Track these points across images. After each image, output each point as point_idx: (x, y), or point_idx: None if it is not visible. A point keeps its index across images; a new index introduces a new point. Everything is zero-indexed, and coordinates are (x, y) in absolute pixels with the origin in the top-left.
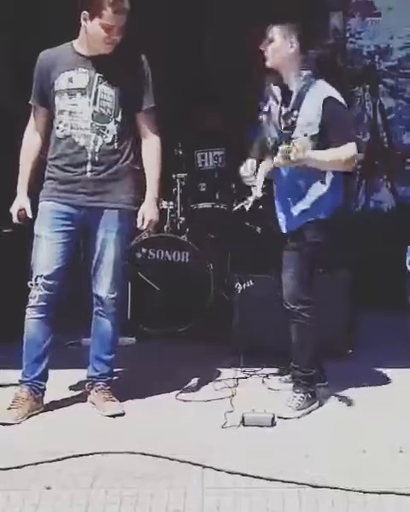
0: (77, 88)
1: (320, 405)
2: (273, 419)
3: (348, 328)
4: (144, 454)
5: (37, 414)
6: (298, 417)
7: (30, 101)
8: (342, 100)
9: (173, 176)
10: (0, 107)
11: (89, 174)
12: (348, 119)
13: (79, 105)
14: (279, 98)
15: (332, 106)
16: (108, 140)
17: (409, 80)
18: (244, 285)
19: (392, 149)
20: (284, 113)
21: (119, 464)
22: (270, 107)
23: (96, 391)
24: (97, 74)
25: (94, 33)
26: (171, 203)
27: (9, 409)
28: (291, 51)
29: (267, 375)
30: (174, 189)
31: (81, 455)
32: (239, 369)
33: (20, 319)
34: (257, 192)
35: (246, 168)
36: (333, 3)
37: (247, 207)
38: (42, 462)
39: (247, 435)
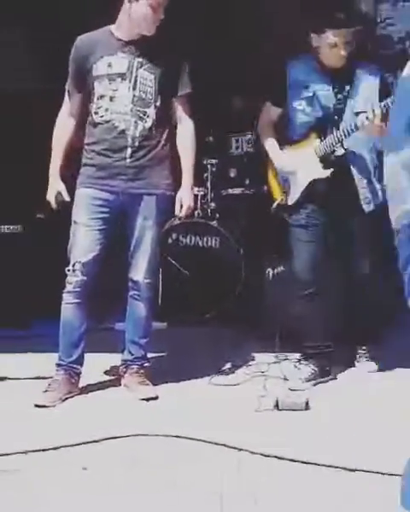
0: (117, 73)
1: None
2: (307, 403)
3: None
4: (179, 436)
5: (72, 397)
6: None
7: (66, 86)
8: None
9: (204, 161)
10: (18, 96)
11: (128, 160)
12: None
13: (120, 90)
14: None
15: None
16: (148, 125)
17: None
18: (275, 270)
19: None
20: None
21: (154, 447)
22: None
23: (130, 374)
24: (137, 59)
25: (140, 14)
26: (202, 189)
27: (45, 391)
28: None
29: (300, 360)
30: (205, 175)
31: (116, 437)
32: (271, 353)
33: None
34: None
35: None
36: None
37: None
38: (78, 444)
39: (281, 419)
